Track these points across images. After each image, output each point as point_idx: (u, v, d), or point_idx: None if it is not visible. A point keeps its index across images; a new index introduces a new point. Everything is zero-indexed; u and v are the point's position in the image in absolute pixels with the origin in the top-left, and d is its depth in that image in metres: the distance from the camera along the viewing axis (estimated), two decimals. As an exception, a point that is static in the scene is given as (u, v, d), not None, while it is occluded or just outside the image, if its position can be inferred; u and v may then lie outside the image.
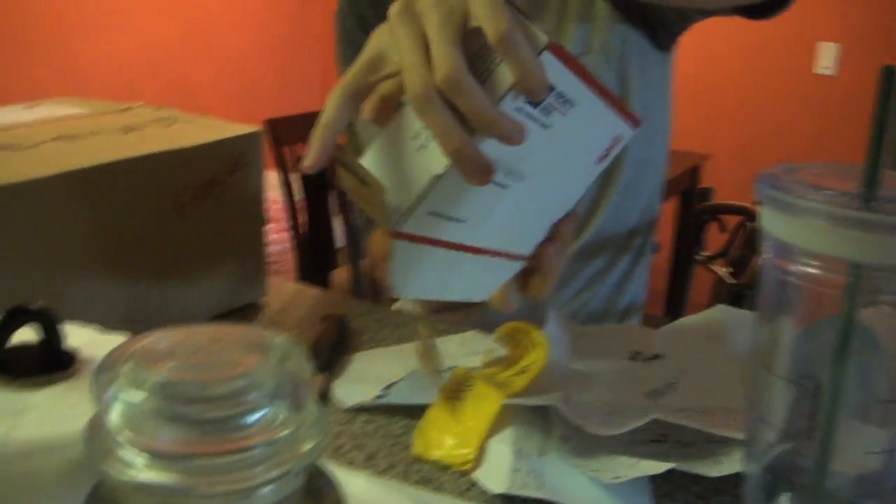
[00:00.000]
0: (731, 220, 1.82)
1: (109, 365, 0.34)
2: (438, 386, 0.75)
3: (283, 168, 2.83)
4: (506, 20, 0.52)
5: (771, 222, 0.49)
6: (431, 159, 0.55)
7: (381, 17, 0.60)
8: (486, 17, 0.52)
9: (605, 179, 1.07)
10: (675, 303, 2.39)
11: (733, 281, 1.73)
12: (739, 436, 0.64)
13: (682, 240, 2.76)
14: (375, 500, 0.63)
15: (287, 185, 2.85)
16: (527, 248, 0.70)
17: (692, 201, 3.11)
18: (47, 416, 0.45)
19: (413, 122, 0.57)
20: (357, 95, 0.61)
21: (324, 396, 0.79)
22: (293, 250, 3.00)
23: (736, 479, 0.60)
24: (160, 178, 0.87)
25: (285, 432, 0.34)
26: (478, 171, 0.53)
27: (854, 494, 0.53)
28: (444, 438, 0.70)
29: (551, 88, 0.55)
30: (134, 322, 0.47)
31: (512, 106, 0.54)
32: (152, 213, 0.87)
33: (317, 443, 0.35)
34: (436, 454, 0.69)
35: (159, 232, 0.88)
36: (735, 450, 0.65)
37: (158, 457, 0.32)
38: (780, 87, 3.85)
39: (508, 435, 0.70)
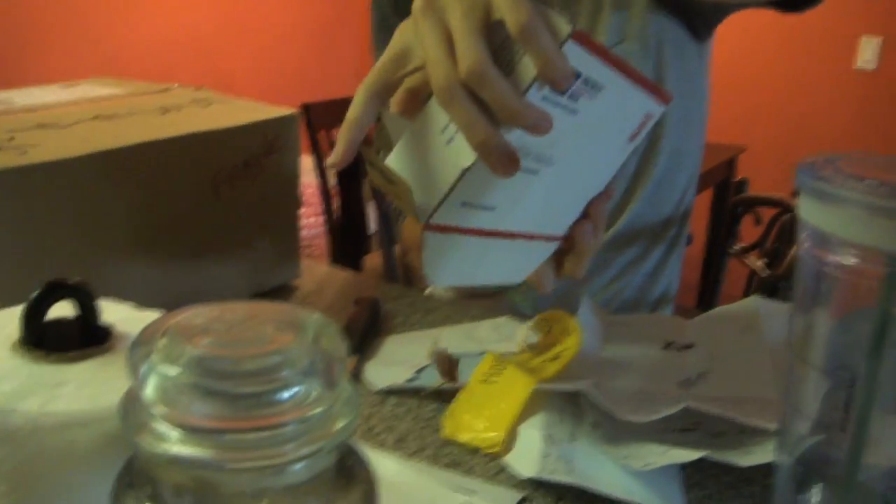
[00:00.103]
0: (766, 214, 1.80)
1: (145, 340, 0.34)
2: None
3: (318, 153, 2.83)
4: (526, 11, 0.51)
5: (809, 212, 0.49)
6: (460, 152, 0.55)
7: (408, 9, 0.60)
8: (508, 8, 0.52)
9: (640, 168, 1.06)
10: (707, 295, 2.37)
11: (767, 272, 1.72)
12: (771, 426, 0.64)
13: (716, 232, 2.74)
14: (405, 482, 0.63)
15: (321, 170, 2.85)
16: (561, 228, 0.70)
17: (727, 193, 3.08)
18: (83, 390, 0.46)
19: (440, 116, 0.57)
20: (383, 91, 0.61)
21: (355, 378, 0.79)
22: (326, 235, 3.00)
23: (767, 470, 0.60)
24: (196, 158, 0.87)
25: (318, 410, 0.34)
26: (503, 162, 0.53)
27: (886, 487, 0.52)
28: (474, 422, 0.70)
29: (577, 75, 0.55)
30: (168, 301, 0.47)
31: (538, 96, 0.53)
32: (188, 194, 0.88)
33: (349, 421, 0.35)
34: (466, 437, 0.69)
35: (195, 212, 0.89)
36: (767, 440, 0.65)
37: (192, 431, 0.32)
38: (820, 81, 3.80)
39: (539, 420, 0.70)
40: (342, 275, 1.11)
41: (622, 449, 0.66)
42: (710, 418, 0.68)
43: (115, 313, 0.54)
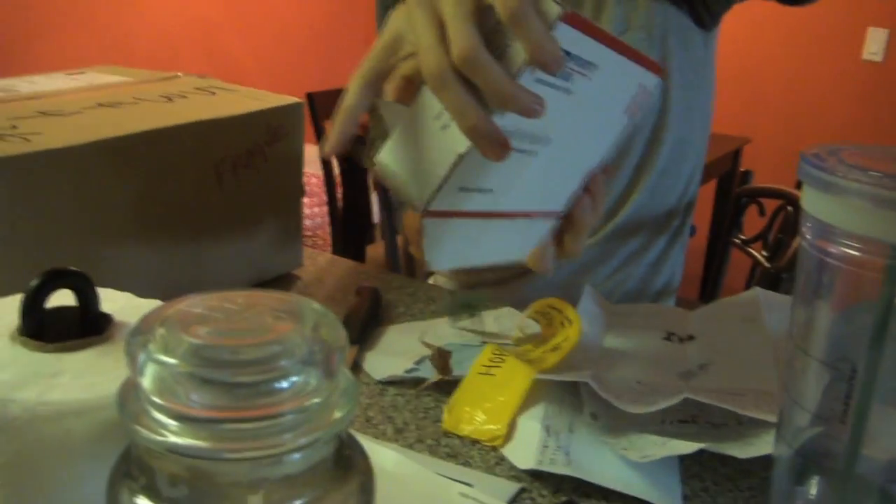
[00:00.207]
0: (770, 205, 1.80)
1: (143, 328, 0.34)
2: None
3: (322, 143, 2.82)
4: None
5: (812, 202, 0.49)
6: (455, 138, 0.55)
7: None
8: None
9: (644, 158, 1.06)
10: (710, 286, 2.37)
11: (770, 264, 1.71)
12: (771, 418, 0.63)
13: (720, 223, 2.73)
14: (404, 473, 0.63)
15: (325, 160, 2.85)
16: (559, 204, 0.70)
17: (731, 185, 3.07)
18: (81, 378, 0.45)
19: (434, 103, 0.56)
20: (377, 79, 0.61)
21: (355, 368, 0.79)
22: (330, 225, 3.01)
23: (765, 462, 0.60)
24: (200, 146, 0.87)
25: (316, 400, 0.34)
26: (493, 147, 0.53)
27: (885, 479, 0.52)
28: (474, 413, 0.70)
29: (569, 55, 0.54)
30: (170, 290, 0.47)
31: (531, 78, 0.53)
32: (192, 182, 0.88)
33: (347, 411, 0.35)
34: (465, 429, 0.69)
35: (198, 200, 0.89)
36: (766, 432, 0.65)
37: (189, 420, 0.32)
38: (826, 73, 3.79)
39: (538, 411, 0.70)
40: (344, 264, 1.11)
41: (621, 440, 0.66)
42: (709, 410, 0.68)
43: (115, 302, 0.54)
